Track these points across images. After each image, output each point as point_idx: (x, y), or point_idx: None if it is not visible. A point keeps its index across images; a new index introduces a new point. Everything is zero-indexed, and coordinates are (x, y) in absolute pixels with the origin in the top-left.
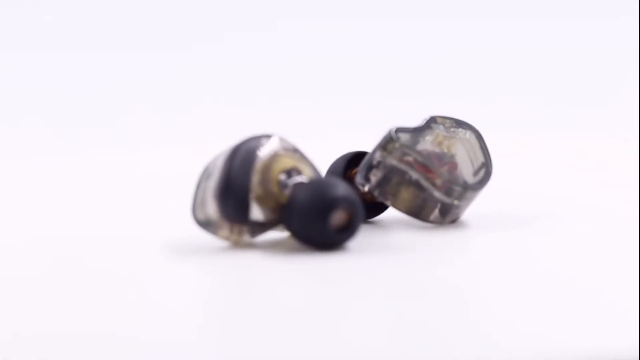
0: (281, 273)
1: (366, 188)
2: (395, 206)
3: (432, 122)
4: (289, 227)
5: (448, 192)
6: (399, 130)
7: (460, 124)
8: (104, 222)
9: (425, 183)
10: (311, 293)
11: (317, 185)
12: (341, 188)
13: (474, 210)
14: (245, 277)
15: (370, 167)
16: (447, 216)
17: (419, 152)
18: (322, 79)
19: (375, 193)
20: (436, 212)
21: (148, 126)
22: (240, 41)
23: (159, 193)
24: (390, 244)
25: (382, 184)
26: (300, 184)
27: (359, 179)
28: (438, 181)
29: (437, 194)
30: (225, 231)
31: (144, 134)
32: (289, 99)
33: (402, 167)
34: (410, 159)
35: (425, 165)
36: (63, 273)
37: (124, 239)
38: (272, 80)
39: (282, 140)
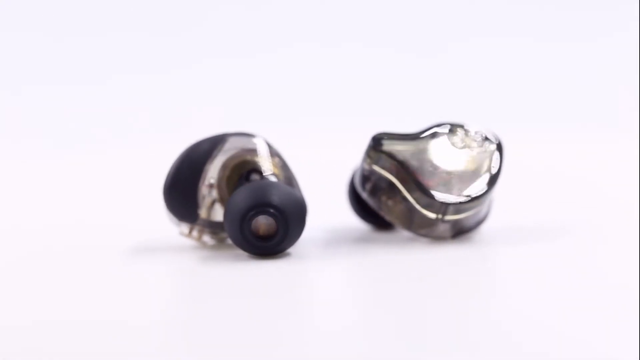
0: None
1: (363, 195)
2: (388, 217)
3: (448, 129)
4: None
5: (428, 206)
6: (384, 137)
7: (481, 133)
8: (91, 215)
9: (406, 194)
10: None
11: (248, 189)
12: (275, 194)
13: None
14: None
15: (364, 176)
16: (451, 230)
17: (404, 161)
18: (333, 86)
19: (370, 202)
20: (434, 226)
21: (149, 127)
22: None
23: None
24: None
25: (374, 192)
26: (243, 186)
27: (357, 184)
28: (418, 194)
29: (419, 207)
30: (184, 229)
31: (144, 134)
32: (298, 102)
33: (386, 175)
34: (393, 167)
35: (410, 175)
36: (35, 266)
37: (101, 235)
38: (275, 81)
39: (261, 142)
